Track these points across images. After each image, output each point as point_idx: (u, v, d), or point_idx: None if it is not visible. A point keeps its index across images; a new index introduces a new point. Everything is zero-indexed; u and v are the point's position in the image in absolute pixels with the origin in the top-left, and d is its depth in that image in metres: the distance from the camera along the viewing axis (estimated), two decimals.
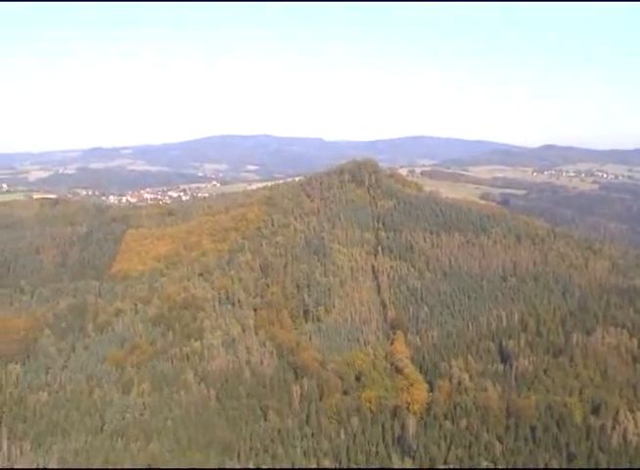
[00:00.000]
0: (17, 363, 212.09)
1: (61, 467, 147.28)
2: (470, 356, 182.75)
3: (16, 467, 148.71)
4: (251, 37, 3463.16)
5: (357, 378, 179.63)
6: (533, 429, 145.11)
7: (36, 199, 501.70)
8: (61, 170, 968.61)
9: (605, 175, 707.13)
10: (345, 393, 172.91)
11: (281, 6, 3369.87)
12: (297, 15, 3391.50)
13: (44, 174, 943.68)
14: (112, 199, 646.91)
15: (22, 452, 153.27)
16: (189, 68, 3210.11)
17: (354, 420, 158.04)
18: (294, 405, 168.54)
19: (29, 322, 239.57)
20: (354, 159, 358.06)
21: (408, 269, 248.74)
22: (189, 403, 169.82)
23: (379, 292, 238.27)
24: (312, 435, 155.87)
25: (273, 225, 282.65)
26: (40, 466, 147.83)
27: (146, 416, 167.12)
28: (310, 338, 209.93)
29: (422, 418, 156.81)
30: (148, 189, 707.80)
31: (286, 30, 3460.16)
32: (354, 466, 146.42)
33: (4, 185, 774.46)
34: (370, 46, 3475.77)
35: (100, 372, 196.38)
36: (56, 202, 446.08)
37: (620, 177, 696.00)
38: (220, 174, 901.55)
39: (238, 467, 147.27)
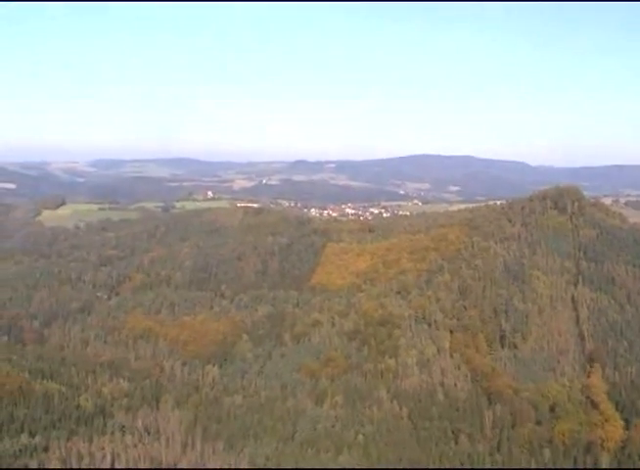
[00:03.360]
0: (214, 365, 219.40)
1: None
2: None
3: (208, 466, 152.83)
4: (460, 58, 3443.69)
5: (551, 409, 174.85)
6: None
7: (240, 207, 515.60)
8: (264, 181, 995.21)
9: None
10: (538, 423, 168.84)
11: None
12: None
13: (248, 184, 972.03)
14: (313, 211, 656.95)
15: (214, 452, 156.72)
16: (395, 87, 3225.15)
17: (546, 452, 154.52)
18: (485, 431, 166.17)
19: (228, 326, 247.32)
20: (557, 185, 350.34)
21: (609, 302, 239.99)
22: (381, 420, 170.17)
23: (577, 323, 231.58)
24: (502, 462, 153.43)
25: (473, 248, 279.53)
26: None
27: (337, 428, 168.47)
28: (505, 364, 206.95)
29: (615, 456, 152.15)
30: (349, 204, 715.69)
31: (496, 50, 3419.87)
32: None
33: (210, 192, 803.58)
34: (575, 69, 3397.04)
35: (294, 381, 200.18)
36: (259, 211, 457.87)
37: None
38: (422, 193, 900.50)
39: None
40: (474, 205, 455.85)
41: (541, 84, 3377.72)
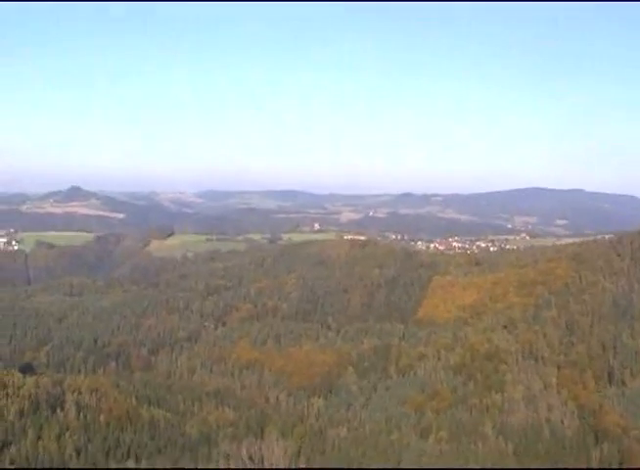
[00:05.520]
0: (319, 397, 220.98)
1: None
2: None
3: None
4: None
5: None
6: None
7: (346, 239, 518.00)
8: (371, 213, 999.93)
9: None
10: None
11: None
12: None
13: (355, 216, 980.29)
14: (420, 244, 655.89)
15: None
16: (499, 118, 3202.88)
17: None
18: None
19: (334, 358, 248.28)
20: None
21: None
22: (486, 455, 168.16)
23: None
24: None
25: (581, 282, 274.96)
26: None
27: (442, 463, 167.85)
28: (613, 402, 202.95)
29: None
30: (456, 237, 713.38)
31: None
32: None
33: (316, 224, 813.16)
34: None
35: (399, 414, 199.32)
36: (365, 243, 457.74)
37: None
38: (529, 227, 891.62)
39: None
40: (582, 239, 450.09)
41: None
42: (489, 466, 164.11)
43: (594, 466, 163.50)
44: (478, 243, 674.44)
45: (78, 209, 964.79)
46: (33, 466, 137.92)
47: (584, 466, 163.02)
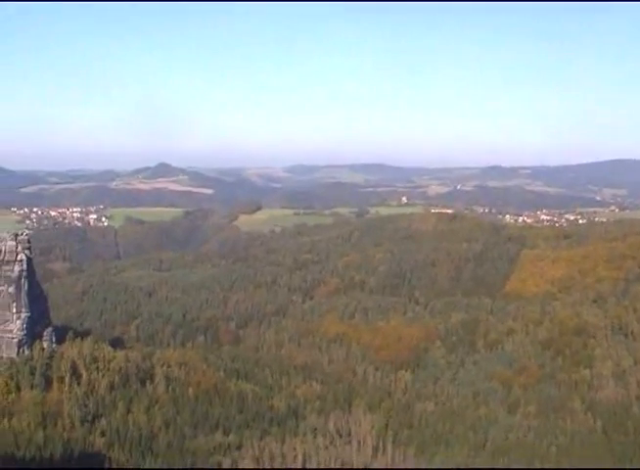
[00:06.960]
0: (406, 371, 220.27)
1: None
2: None
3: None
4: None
5: None
6: None
7: (434, 213, 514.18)
8: (459, 187, 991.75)
9: None
10: None
11: None
12: None
13: (442, 190, 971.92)
14: (507, 218, 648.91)
15: (404, 458, 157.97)
16: (591, 86, 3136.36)
17: None
18: None
19: (421, 332, 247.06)
20: None
21: None
22: (574, 432, 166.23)
23: None
24: None
25: None
26: None
27: (530, 438, 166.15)
28: None
29: None
30: (544, 210, 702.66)
31: None
32: None
33: (404, 198, 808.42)
34: None
35: (486, 389, 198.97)
36: (453, 217, 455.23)
37: None
38: (619, 199, 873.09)
39: None
40: None
41: None
42: (577, 443, 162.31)
43: None
44: (566, 216, 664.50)
45: (167, 185, 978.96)
46: (124, 438, 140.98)
47: None
